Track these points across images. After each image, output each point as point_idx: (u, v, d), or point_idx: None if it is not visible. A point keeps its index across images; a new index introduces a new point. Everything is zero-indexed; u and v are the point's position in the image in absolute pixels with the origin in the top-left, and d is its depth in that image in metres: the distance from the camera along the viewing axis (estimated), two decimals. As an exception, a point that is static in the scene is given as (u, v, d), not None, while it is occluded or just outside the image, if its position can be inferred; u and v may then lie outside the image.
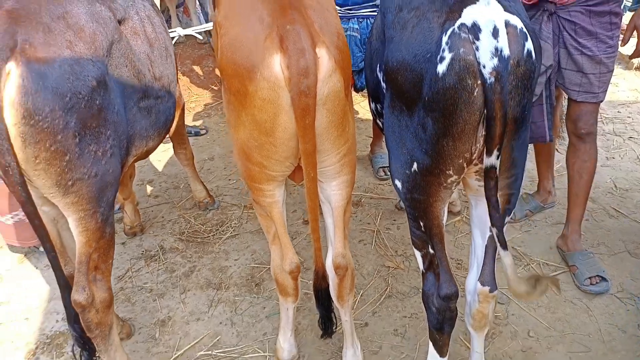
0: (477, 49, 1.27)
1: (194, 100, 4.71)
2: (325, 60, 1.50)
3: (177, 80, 2.60)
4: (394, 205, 3.11)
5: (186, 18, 6.20)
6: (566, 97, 2.50)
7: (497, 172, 1.41)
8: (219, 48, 1.70)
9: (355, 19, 2.72)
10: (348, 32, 2.70)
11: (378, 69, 1.82)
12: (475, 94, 1.30)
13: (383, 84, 1.79)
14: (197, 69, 5.18)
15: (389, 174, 3.35)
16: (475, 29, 1.27)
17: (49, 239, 1.70)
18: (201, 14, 5.55)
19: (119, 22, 1.90)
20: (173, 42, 3.19)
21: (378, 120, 2.06)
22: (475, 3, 1.30)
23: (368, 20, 2.67)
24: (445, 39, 1.30)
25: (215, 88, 4.83)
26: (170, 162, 3.72)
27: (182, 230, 3.02)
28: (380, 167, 3.38)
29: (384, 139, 3.19)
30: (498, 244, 1.48)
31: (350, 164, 1.75)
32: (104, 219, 1.76)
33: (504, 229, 1.71)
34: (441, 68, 1.31)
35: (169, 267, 2.75)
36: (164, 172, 3.66)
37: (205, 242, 2.92)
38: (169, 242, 2.93)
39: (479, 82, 1.29)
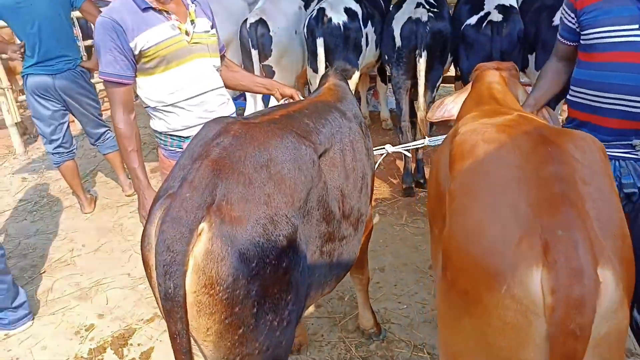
0: None
1: (371, 192, 4.45)
2: (610, 288, 1.01)
3: (371, 202, 2.30)
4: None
5: (374, 101, 6.18)
6: None
7: None
8: (447, 223, 1.31)
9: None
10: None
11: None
12: None
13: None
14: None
15: None
16: None
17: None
18: (390, 98, 5.44)
19: (320, 156, 1.66)
20: (381, 159, 2.97)
21: None
22: None
23: (617, 162, 2.05)
24: None
25: (395, 182, 4.53)
26: (338, 265, 3.45)
27: (341, 361, 2.65)
28: None
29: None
30: None
31: None
32: (265, 396, 1.46)
33: None
34: None
35: (320, 409, 2.38)
36: (330, 275, 3.39)
37: (364, 384, 2.50)
38: (324, 373, 2.58)
39: None
